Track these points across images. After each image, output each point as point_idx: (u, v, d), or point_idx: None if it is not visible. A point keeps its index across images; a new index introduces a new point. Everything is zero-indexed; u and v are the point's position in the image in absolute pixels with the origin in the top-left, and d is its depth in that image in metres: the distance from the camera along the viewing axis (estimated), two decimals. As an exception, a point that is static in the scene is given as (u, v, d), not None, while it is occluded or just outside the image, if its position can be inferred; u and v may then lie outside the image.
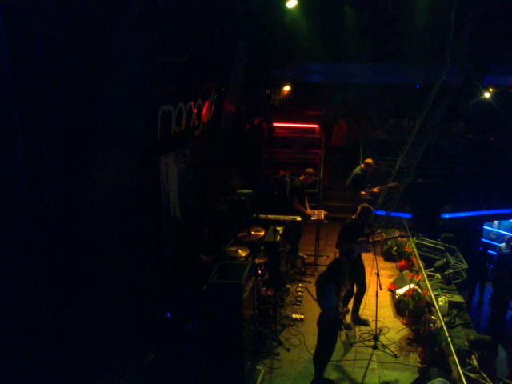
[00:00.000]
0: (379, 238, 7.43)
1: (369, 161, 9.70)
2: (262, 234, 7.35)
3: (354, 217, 6.95)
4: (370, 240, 6.94)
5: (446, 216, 12.90)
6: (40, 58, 3.57)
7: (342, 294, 6.03)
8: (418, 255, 9.69)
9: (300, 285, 8.45)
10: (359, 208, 6.94)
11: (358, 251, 6.95)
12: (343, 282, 5.61)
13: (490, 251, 13.46)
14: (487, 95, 12.08)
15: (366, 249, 7.03)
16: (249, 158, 11.91)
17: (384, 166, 12.89)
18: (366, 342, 6.78)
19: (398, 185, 10.55)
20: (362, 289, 7.15)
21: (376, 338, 6.74)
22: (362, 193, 9.55)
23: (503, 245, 11.39)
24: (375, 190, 9.61)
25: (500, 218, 15.79)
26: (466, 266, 10.00)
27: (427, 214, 12.04)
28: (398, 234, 8.37)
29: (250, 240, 6.64)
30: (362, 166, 9.76)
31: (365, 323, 7.26)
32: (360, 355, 6.55)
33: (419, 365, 6.31)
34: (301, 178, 9.20)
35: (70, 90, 3.93)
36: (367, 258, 9.01)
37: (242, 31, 8.62)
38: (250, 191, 9.70)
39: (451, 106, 12.02)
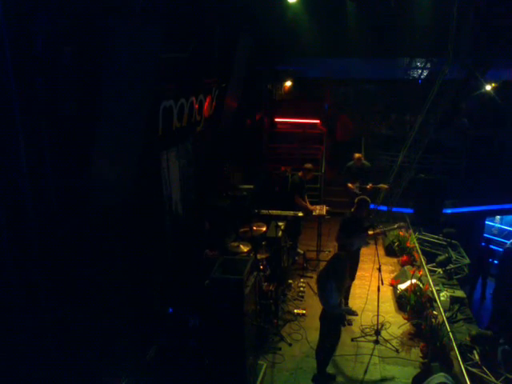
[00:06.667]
0: (378, 231, 7.43)
1: (356, 155, 9.87)
2: (264, 229, 7.36)
3: (352, 210, 6.98)
4: (370, 233, 6.95)
5: (448, 211, 12.87)
6: (41, 55, 3.56)
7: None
8: (419, 250, 9.70)
9: (302, 280, 8.47)
10: (356, 201, 6.98)
11: (357, 244, 6.97)
12: (344, 277, 5.62)
13: (492, 246, 13.48)
14: (488, 88, 12.02)
15: (366, 242, 7.06)
16: (250, 154, 11.90)
17: (386, 161, 12.88)
18: (368, 337, 6.80)
19: (388, 187, 10.51)
20: (350, 282, 7.20)
21: (378, 332, 6.76)
22: (349, 185, 9.64)
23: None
24: (368, 186, 9.56)
25: (502, 213, 15.77)
26: (467, 261, 10.01)
27: (429, 209, 12.01)
28: (396, 225, 8.34)
29: (252, 235, 6.65)
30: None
31: (353, 313, 7.26)
32: (362, 350, 6.57)
33: (421, 360, 6.33)
34: (300, 173, 9.18)
35: (72, 86, 3.93)
36: (369, 253, 9.02)
37: (244, 26, 8.59)
38: (252, 187, 9.70)
39: (453, 101, 11.97)
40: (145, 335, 5.84)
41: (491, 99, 12.49)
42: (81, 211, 4.14)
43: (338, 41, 12.22)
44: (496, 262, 13.03)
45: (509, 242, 11.89)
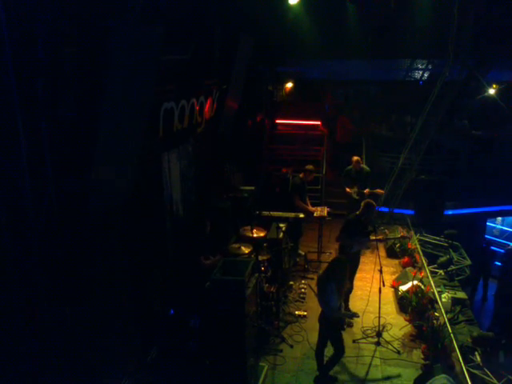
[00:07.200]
0: (380, 237, 7.41)
1: (354, 158, 9.85)
2: (263, 234, 7.31)
3: (357, 212, 6.97)
4: (373, 238, 6.95)
5: (449, 212, 12.87)
6: (42, 57, 3.56)
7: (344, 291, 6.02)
8: (421, 252, 9.69)
9: (303, 281, 8.46)
10: (363, 203, 6.96)
11: (356, 247, 6.97)
12: (344, 280, 5.62)
13: (493, 248, 13.44)
14: (492, 92, 12.01)
15: (366, 246, 7.05)
16: (251, 155, 11.90)
17: (387, 163, 12.88)
18: (369, 339, 6.78)
19: (383, 192, 10.49)
20: (350, 285, 7.15)
21: (379, 334, 6.74)
22: (347, 189, 9.65)
23: None
24: (365, 191, 9.52)
25: (503, 214, 15.75)
26: (469, 262, 10.01)
27: (430, 210, 12.01)
28: (401, 234, 8.38)
29: (253, 237, 6.64)
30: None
31: (354, 315, 7.27)
32: (363, 352, 6.55)
33: (422, 361, 6.32)
34: (301, 175, 9.16)
35: (73, 88, 3.93)
36: (370, 254, 9.03)
37: (244, 28, 8.60)
38: (253, 188, 9.69)
39: (454, 102, 11.97)
40: (146, 336, 5.84)
41: (492, 100, 12.48)
42: (81, 212, 4.13)
43: (339, 42, 12.25)
44: (497, 263, 13.01)
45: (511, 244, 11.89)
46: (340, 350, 5.79)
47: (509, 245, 13.85)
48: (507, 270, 10.80)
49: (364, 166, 10.01)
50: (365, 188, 9.51)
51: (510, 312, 10.13)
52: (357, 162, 9.73)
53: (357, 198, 9.41)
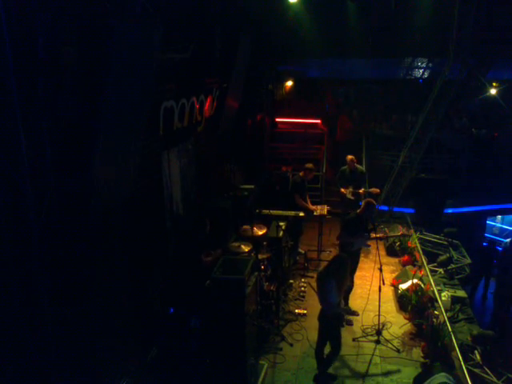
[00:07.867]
0: (381, 235, 7.42)
1: (349, 157, 9.69)
2: (262, 232, 7.30)
3: (358, 211, 6.97)
4: (373, 236, 6.95)
5: (449, 211, 12.88)
6: (43, 57, 3.57)
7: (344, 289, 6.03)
8: (420, 250, 9.69)
9: (303, 280, 8.47)
10: (363, 202, 6.97)
11: (357, 245, 6.97)
12: (344, 277, 5.63)
13: (497, 247, 13.44)
14: (492, 91, 11.99)
15: (366, 244, 7.07)
16: (251, 154, 11.90)
17: (387, 161, 12.88)
18: (369, 337, 6.79)
19: (379, 192, 10.40)
20: (350, 283, 7.17)
21: (379, 332, 6.75)
22: (342, 190, 9.56)
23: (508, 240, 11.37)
24: (360, 191, 9.45)
25: (503, 212, 15.76)
26: (469, 261, 10.02)
27: (430, 209, 12.02)
28: (400, 232, 8.41)
29: (253, 235, 6.65)
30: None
31: (354, 313, 7.28)
32: (363, 350, 6.56)
33: (422, 360, 6.33)
34: (301, 173, 9.14)
35: (73, 87, 3.94)
36: (370, 253, 9.04)
37: (245, 26, 8.59)
38: (253, 187, 9.68)
39: (454, 101, 11.96)
40: (146, 336, 5.84)
41: (493, 99, 12.48)
42: (82, 211, 4.14)
43: (339, 41, 12.24)
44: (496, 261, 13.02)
45: (505, 241, 11.87)
46: (337, 348, 5.81)
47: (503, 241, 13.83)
48: (503, 268, 10.79)
49: (358, 165, 9.94)
50: (359, 188, 9.45)
51: (507, 310, 10.14)
52: (351, 160, 9.60)
53: (352, 198, 9.34)
